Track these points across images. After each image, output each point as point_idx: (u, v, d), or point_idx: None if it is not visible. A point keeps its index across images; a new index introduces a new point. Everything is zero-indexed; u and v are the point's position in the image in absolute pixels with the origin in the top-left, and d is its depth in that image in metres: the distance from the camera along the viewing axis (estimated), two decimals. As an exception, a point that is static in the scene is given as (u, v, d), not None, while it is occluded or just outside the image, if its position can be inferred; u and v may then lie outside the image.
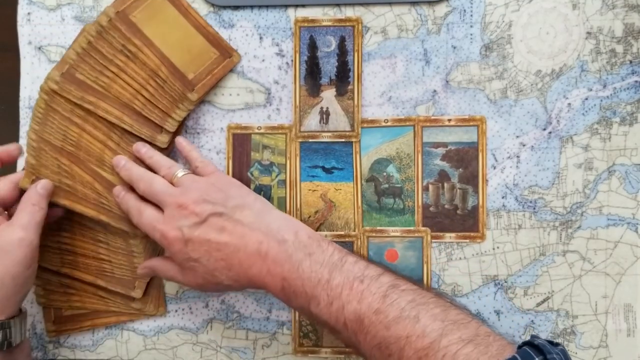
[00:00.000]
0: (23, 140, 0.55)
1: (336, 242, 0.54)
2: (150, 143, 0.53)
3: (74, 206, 0.52)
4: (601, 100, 0.54)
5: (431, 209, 0.54)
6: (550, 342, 0.40)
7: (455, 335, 0.39)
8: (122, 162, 0.51)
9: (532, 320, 0.54)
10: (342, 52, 0.54)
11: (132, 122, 0.52)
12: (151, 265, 0.51)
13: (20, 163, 0.55)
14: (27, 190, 0.50)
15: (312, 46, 0.54)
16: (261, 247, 0.44)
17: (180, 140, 0.53)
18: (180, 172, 0.49)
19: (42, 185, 0.50)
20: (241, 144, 0.55)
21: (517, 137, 0.54)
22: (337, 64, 0.54)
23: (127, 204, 0.50)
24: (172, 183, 0.49)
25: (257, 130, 0.55)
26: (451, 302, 0.43)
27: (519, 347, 0.39)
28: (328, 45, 0.54)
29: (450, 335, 0.39)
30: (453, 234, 0.54)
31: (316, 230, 0.54)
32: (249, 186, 0.55)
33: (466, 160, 0.54)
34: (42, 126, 0.51)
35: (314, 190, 0.55)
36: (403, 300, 0.41)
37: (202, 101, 0.55)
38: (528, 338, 0.53)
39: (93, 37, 0.51)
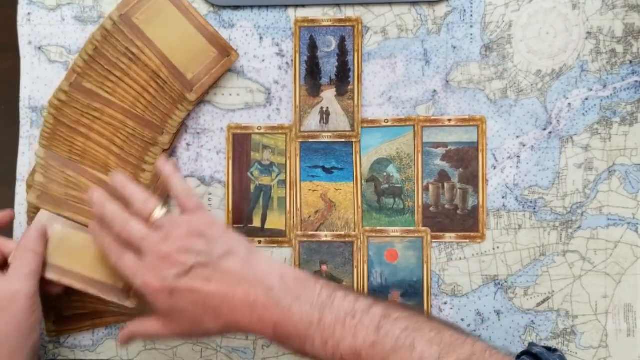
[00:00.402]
0: (23, 141, 0.55)
1: (336, 242, 0.54)
2: (152, 144, 0.53)
3: (76, 218, 0.53)
4: (601, 100, 0.54)
5: (431, 209, 0.54)
6: (548, 349, 0.40)
7: (453, 357, 0.39)
8: (95, 196, 0.48)
9: (532, 321, 0.54)
10: (342, 52, 0.54)
11: (134, 125, 0.53)
12: (131, 331, 0.48)
13: (21, 163, 0.55)
14: (23, 235, 0.50)
15: (312, 46, 0.54)
16: (249, 296, 0.43)
17: (161, 163, 0.49)
18: (157, 211, 0.46)
19: (36, 227, 0.50)
20: (241, 144, 0.55)
21: (517, 137, 0.54)
22: (337, 64, 0.54)
23: (104, 243, 0.47)
24: (149, 221, 0.46)
25: (257, 130, 0.55)
26: (444, 322, 0.43)
27: (518, 357, 0.39)
28: (328, 45, 0.54)
29: (447, 357, 0.39)
30: (453, 234, 0.54)
31: (316, 230, 0.55)
32: (249, 186, 0.55)
33: (466, 160, 0.54)
34: (50, 141, 0.53)
35: (314, 190, 0.55)
36: (397, 328, 0.41)
37: (202, 101, 0.55)
38: (527, 341, 0.54)
39: (99, 42, 0.52)
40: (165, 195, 0.54)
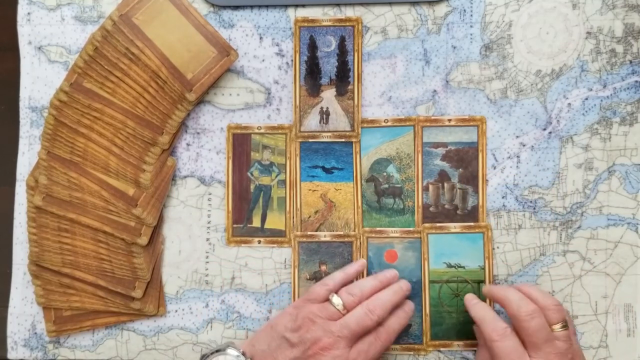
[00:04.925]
0: (23, 141, 0.55)
1: (335, 242, 0.54)
2: (152, 144, 0.53)
3: (80, 219, 0.53)
4: (601, 100, 0.53)
5: (431, 209, 0.54)
6: None
7: None
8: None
9: (532, 320, 0.54)
10: (342, 52, 0.54)
11: (134, 126, 0.53)
12: None
13: (21, 163, 0.55)
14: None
15: (312, 46, 0.54)
16: None
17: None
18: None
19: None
20: (241, 144, 0.55)
21: (517, 137, 0.54)
22: (337, 64, 0.54)
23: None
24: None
25: (257, 130, 0.55)
26: None
27: None
28: (328, 45, 0.54)
29: None
30: (453, 234, 0.54)
31: (316, 231, 0.55)
32: (248, 186, 0.55)
33: (466, 160, 0.54)
34: (51, 142, 0.53)
35: (314, 190, 0.55)
36: None
37: (202, 101, 0.55)
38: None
39: (99, 42, 0.52)
40: (163, 197, 0.54)
